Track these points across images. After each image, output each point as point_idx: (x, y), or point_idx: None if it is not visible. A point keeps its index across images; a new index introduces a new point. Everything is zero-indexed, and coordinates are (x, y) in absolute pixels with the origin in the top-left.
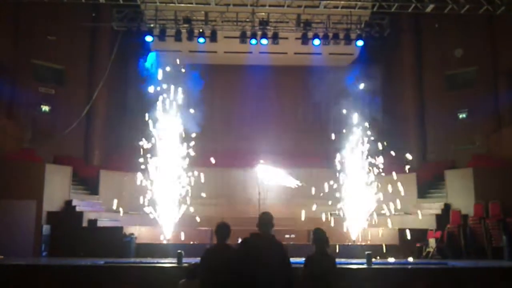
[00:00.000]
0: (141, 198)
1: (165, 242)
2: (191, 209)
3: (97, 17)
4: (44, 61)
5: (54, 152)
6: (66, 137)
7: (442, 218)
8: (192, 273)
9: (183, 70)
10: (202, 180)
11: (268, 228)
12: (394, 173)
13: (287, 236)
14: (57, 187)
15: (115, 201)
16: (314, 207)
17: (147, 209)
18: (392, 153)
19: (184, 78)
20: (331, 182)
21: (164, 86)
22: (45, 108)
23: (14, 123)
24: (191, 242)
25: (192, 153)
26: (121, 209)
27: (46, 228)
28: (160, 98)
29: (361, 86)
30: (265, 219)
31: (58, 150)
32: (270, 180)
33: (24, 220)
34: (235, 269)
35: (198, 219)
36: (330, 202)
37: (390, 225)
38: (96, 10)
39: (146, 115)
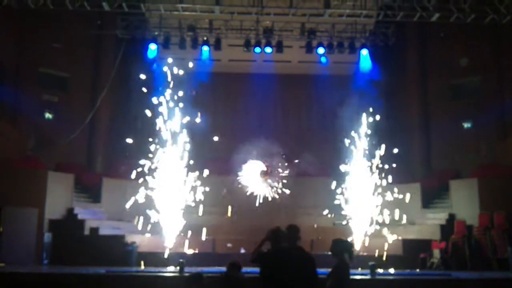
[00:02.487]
0: (144, 206)
1: (167, 251)
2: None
3: (102, 25)
4: (48, 69)
5: (57, 159)
6: (69, 145)
7: (446, 229)
8: (195, 282)
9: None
10: (205, 189)
11: (295, 240)
12: (398, 183)
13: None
14: (59, 195)
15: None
16: (317, 217)
17: (150, 218)
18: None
19: (188, 86)
20: (335, 191)
21: (168, 94)
22: (49, 115)
23: (18, 130)
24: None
25: (195, 161)
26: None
27: (47, 236)
28: (164, 105)
29: (366, 95)
30: (292, 232)
31: (61, 157)
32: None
33: (26, 227)
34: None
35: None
36: (333, 212)
37: (394, 235)
38: (101, 18)
39: (149, 123)
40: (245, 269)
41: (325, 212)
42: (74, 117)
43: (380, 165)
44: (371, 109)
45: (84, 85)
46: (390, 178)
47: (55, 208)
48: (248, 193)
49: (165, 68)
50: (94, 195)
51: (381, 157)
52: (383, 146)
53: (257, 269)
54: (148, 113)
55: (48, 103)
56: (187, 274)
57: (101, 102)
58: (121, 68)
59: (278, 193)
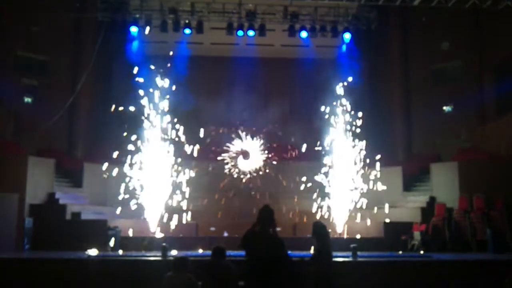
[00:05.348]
0: (126, 191)
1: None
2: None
3: (82, 7)
4: (27, 52)
5: (37, 144)
6: (50, 129)
7: (427, 211)
8: (180, 265)
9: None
10: (189, 173)
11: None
12: (379, 166)
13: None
14: (40, 180)
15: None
16: (299, 200)
17: (132, 202)
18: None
19: (170, 70)
20: (317, 175)
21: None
22: (28, 99)
23: None
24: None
25: (177, 146)
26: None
27: (28, 221)
28: (145, 89)
29: (348, 78)
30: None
31: (41, 142)
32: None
33: (6, 213)
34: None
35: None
36: (315, 195)
37: (375, 218)
38: (81, 0)
39: (131, 106)
40: (230, 252)
41: (308, 194)
42: (55, 101)
43: (362, 148)
44: (352, 93)
45: (65, 69)
46: (371, 161)
47: (36, 193)
48: (231, 178)
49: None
50: (76, 180)
51: (362, 141)
52: (364, 130)
53: (241, 253)
54: (129, 97)
55: (27, 87)
56: (171, 258)
57: (82, 85)
58: (102, 50)
59: (260, 176)
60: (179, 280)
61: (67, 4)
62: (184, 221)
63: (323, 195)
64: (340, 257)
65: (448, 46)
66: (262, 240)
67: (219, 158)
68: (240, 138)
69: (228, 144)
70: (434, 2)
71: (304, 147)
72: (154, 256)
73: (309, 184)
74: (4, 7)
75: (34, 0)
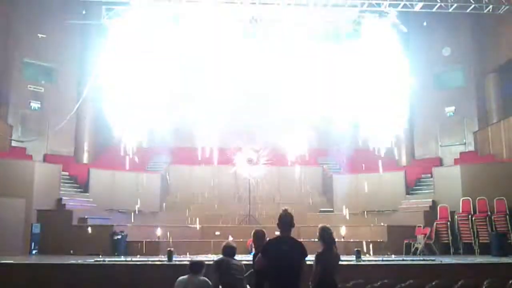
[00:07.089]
0: (132, 196)
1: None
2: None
3: (87, 14)
4: (34, 59)
5: (44, 150)
6: (56, 135)
7: (430, 215)
8: (196, 269)
9: None
10: (191, 177)
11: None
12: (382, 170)
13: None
14: (47, 185)
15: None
16: (303, 204)
17: (138, 207)
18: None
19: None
20: (321, 179)
21: None
22: (35, 106)
23: (3, 121)
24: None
25: (181, 150)
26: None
27: (36, 227)
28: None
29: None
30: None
31: (48, 148)
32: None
33: (13, 218)
34: None
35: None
36: (319, 199)
37: (378, 221)
38: (86, 7)
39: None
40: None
41: (312, 199)
42: (61, 107)
43: (365, 152)
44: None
45: (71, 75)
46: (374, 165)
47: (43, 198)
48: (235, 182)
49: None
50: (82, 186)
51: (365, 144)
52: (367, 134)
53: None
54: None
55: (34, 94)
56: (176, 262)
57: (88, 91)
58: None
59: (264, 181)
60: (194, 284)
61: (73, 11)
62: (187, 225)
63: (328, 198)
64: (343, 261)
65: (449, 51)
66: (285, 244)
67: (223, 163)
68: (244, 143)
69: (232, 150)
70: (435, 7)
71: (308, 152)
72: (159, 261)
73: (313, 188)
74: (11, 14)
75: (40, 8)
